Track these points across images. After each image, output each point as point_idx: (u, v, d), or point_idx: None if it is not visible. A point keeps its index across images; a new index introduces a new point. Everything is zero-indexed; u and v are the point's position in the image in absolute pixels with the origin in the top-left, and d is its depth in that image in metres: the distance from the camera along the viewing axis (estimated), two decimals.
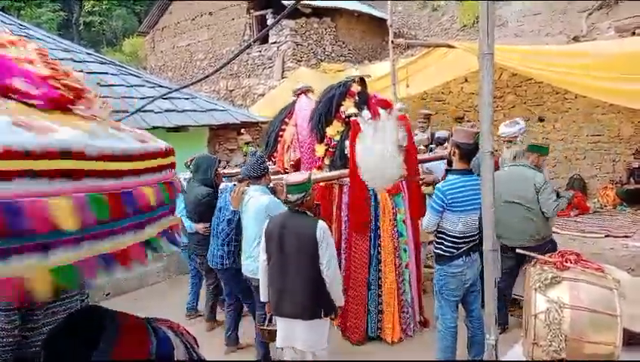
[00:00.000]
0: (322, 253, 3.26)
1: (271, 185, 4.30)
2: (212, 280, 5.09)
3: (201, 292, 5.48)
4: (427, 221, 3.61)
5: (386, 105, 4.85)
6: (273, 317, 3.63)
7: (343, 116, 4.66)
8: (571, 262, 2.33)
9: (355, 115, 4.56)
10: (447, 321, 3.68)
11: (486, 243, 2.64)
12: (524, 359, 2.37)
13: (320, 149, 4.80)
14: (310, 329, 3.33)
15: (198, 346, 1.43)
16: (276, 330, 3.54)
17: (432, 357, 3.91)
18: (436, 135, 6.81)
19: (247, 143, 7.89)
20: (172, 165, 1.29)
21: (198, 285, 5.51)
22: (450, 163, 3.73)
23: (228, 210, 4.33)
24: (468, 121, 10.42)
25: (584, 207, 8.29)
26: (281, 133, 5.38)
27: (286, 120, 5.41)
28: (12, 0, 21.18)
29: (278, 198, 4.07)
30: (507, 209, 4.29)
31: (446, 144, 6.15)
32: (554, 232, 7.46)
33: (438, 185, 3.63)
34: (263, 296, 3.59)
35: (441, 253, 3.60)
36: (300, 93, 5.53)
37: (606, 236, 7.12)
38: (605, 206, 8.59)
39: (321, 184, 4.75)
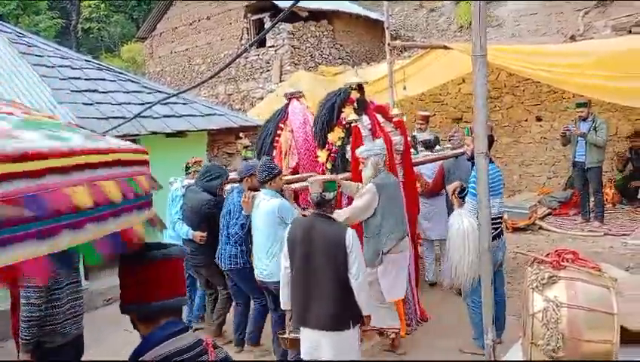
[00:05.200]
0: (352, 261, 3.09)
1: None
2: (211, 290, 4.99)
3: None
4: (472, 206, 3.75)
5: (383, 111, 5.14)
6: (292, 325, 3.46)
7: (344, 123, 4.77)
8: (568, 261, 2.34)
9: (356, 121, 4.68)
10: (479, 297, 3.76)
11: (483, 242, 2.65)
12: (523, 359, 2.38)
13: (322, 155, 4.90)
14: (339, 341, 3.15)
15: None
16: (298, 339, 3.34)
17: (438, 349, 4.26)
18: (419, 137, 6.43)
19: (246, 147, 7.88)
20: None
21: (192, 298, 5.19)
22: (472, 157, 3.86)
23: (238, 213, 4.25)
24: (466, 122, 10.43)
25: None
26: (276, 138, 5.37)
27: (281, 125, 5.41)
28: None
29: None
30: None
31: (447, 144, 6.03)
32: (550, 230, 7.54)
33: (473, 172, 3.71)
34: (284, 304, 3.45)
35: None
36: (291, 98, 5.58)
37: (605, 234, 7.13)
38: (604, 204, 8.58)
39: None
